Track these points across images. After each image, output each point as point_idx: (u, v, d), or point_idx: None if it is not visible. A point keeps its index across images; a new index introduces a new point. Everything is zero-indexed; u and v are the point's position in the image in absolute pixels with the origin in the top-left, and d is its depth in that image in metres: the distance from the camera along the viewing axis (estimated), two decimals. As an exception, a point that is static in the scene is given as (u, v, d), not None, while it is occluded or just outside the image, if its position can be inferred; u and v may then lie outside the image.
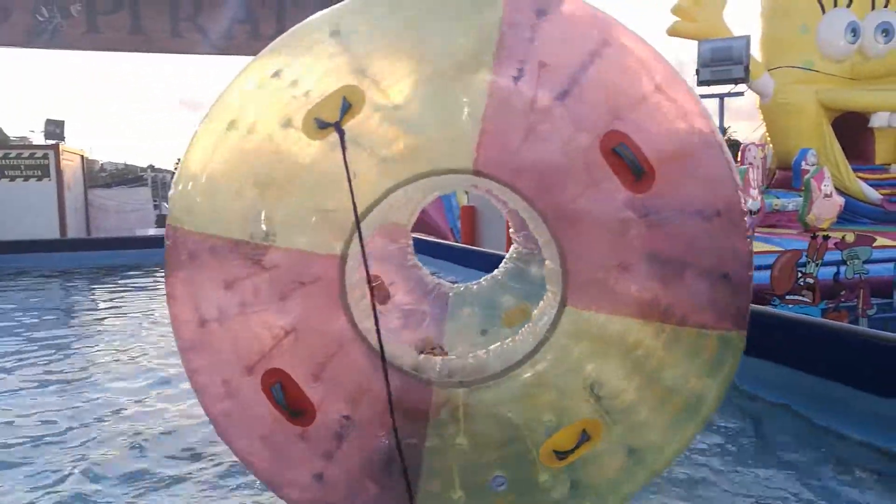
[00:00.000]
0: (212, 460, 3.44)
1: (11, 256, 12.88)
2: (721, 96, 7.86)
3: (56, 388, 4.83)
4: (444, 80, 2.11)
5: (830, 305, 7.01)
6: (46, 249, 13.59)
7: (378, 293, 3.97)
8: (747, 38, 8.05)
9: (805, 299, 6.92)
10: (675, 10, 12.82)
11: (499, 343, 2.40)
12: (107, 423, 4.04)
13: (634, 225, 2.10)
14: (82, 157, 17.95)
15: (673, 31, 12.83)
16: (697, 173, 2.15)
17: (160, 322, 7.01)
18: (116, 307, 8.46)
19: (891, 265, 7.82)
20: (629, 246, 2.10)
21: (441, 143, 2.12)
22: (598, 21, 2.20)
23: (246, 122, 2.18)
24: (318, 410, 2.20)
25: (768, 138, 14.43)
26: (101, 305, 8.93)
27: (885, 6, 13.62)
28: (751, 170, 11.17)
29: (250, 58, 2.28)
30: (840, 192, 12.03)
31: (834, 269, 7.32)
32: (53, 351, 5.99)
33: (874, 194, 12.90)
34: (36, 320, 7.57)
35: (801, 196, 11.63)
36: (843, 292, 7.21)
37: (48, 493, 3.14)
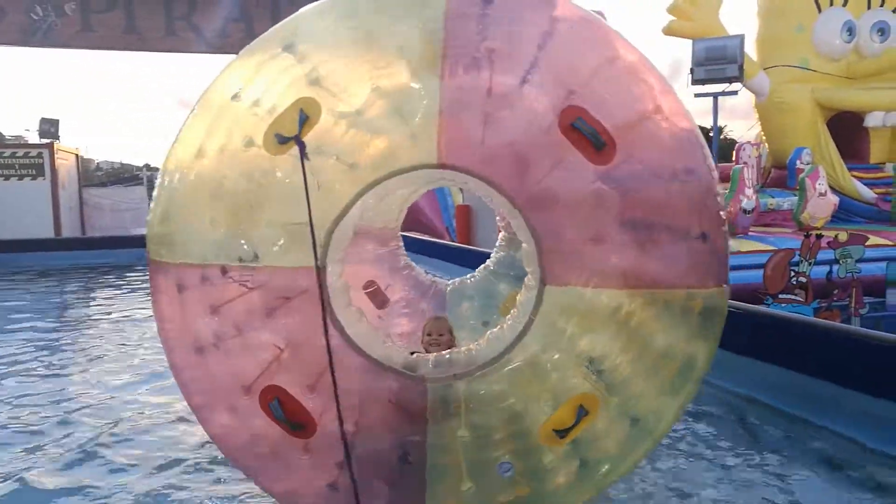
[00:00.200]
0: (209, 452, 3.44)
1: (6, 256, 12.85)
2: (715, 95, 7.85)
3: (51, 385, 4.82)
4: (399, 79, 2.13)
5: (823, 304, 7.03)
6: (41, 248, 13.56)
7: (375, 298, 4.00)
8: (741, 38, 8.06)
9: (798, 298, 6.93)
10: (671, 10, 12.82)
11: (488, 332, 2.42)
12: (101, 418, 4.05)
13: (603, 196, 2.11)
14: (77, 155, 17.91)
15: (669, 31, 12.83)
16: (659, 138, 2.18)
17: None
18: (111, 305, 8.45)
19: (883, 264, 7.84)
20: (601, 218, 2.12)
21: (404, 142, 2.13)
22: (546, 1, 2.22)
23: (212, 149, 2.21)
24: (318, 422, 2.22)
25: (763, 137, 14.44)
26: (96, 304, 8.91)
27: (881, 5, 13.63)
28: (745, 169, 11.17)
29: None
30: (835, 190, 12.05)
31: (827, 268, 7.33)
32: (48, 349, 5.98)
33: (869, 193, 12.92)
34: (31, 319, 7.55)
35: (795, 195, 11.65)
36: (835, 291, 7.22)
37: (48, 486, 3.16)
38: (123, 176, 29.94)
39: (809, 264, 7.07)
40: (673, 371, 2.22)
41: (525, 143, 2.12)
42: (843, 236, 7.66)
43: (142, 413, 4.21)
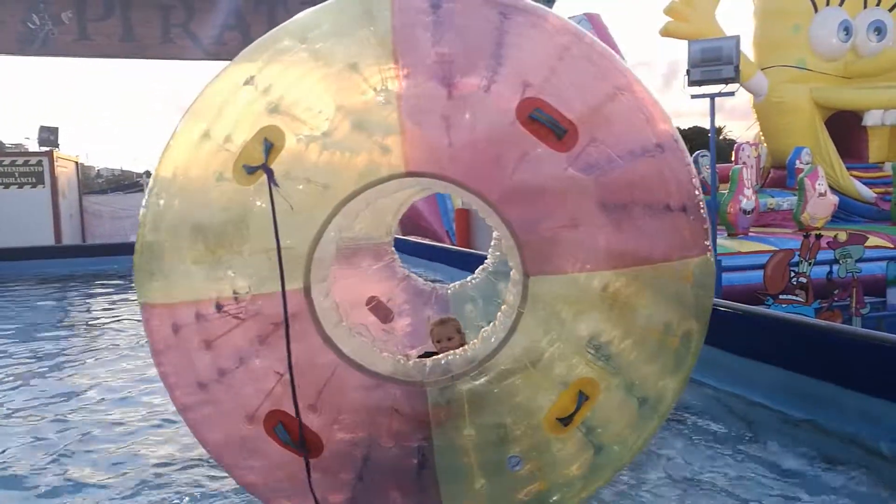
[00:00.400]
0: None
1: (6, 264, 12.84)
2: (712, 96, 7.85)
3: (51, 391, 4.80)
4: (357, 96, 2.17)
5: (824, 305, 7.01)
6: (41, 256, 13.56)
7: (379, 312, 4.03)
8: (737, 38, 8.05)
9: (798, 299, 6.92)
10: (668, 11, 12.86)
11: (482, 330, 2.44)
12: (101, 426, 4.03)
13: (575, 181, 2.13)
14: (77, 163, 17.93)
15: (665, 32, 12.87)
16: (623, 118, 2.20)
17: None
18: (111, 312, 8.44)
19: (883, 264, 7.83)
20: (576, 203, 2.14)
21: (369, 156, 2.17)
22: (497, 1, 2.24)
23: (189, 190, 2.27)
24: (324, 440, 2.25)
25: (762, 137, 14.45)
26: (96, 311, 8.91)
27: (878, 4, 13.66)
28: (745, 169, 11.18)
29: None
30: (834, 190, 12.06)
31: (827, 268, 7.32)
32: (48, 357, 5.97)
33: (868, 192, 12.92)
34: (31, 327, 7.54)
35: (795, 195, 11.65)
36: (836, 291, 7.20)
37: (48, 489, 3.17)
38: (123, 182, 29.99)
39: (809, 264, 7.06)
40: (673, 344, 2.24)
41: (489, 140, 2.14)
42: (842, 236, 7.65)
43: (143, 415, 4.21)
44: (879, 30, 13.49)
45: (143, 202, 2.33)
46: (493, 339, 2.28)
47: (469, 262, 8.30)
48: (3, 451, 3.75)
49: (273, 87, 2.20)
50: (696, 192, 2.24)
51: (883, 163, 13.54)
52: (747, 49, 13.55)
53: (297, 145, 2.16)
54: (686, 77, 8.00)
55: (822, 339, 4.10)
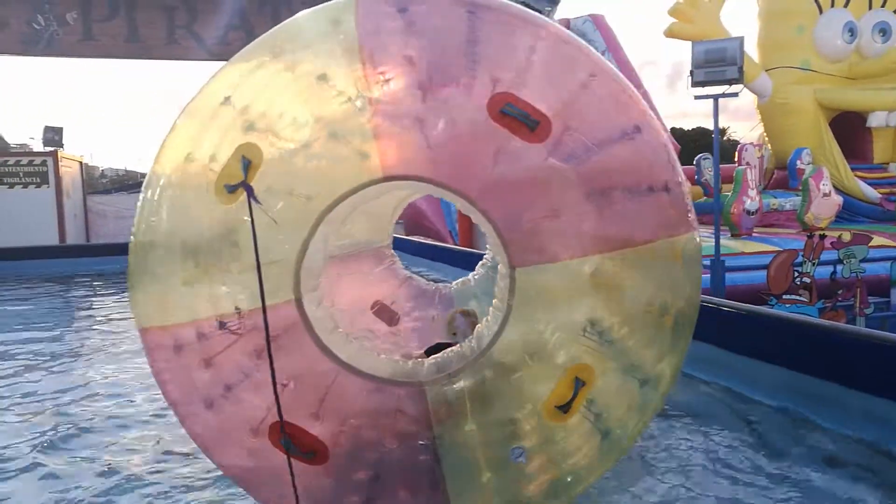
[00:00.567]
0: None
1: (10, 263, 12.88)
2: (716, 97, 7.84)
3: (54, 389, 4.82)
4: (330, 105, 2.20)
5: (828, 305, 6.99)
6: (45, 256, 13.59)
7: (384, 316, 4.06)
8: (741, 40, 8.03)
9: (802, 299, 6.91)
10: (672, 12, 12.86)
11: (476, 326, 2.48)
12: (104, 422, 4.06)
13: (552, 171, 2.15)
14: (81, 163, 17.98)
15: (670, 33, 12.87)
16: (597, 104, 2.22)
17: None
18: (115, 312, 8.45)
19: (887, 264, 7.81)
20: (555, 192, 2.16)
21: (345, 164, 2.20)
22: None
23: (178, 210, 2.30)
24: (329, 446, 2.28)
25: (766, 138, 14.44)
26: (100, 311, 8.93)
27: (882, 6, 13.64)
28: (748, 170, 11.17)
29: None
30: (839, 191, 12.04)
31: (831, 268, 7.30)
32: (52, 355, 5.99)
33: (873, 193, 12.90)
34: (35, 326, 7.56)
35: (798, 196, 11.63)
36: (840, 291, 7.19)
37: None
38: (128, 182, 30.05)
39: (813, 265, 7.05)
40: (668, 323, 2.26)
41: (463, 138, 2.16)
42: (846, 236, 7.63)
43: (144, 415, 4.23)
44: (884, 31, 13.48)
45: (133, 227, 2.37)
46: (486, 334, 2.30)
47: (472, 262, 8.30)
48: (4, 451, 3.76)
49: (250, 105, 2.24)
50: (677, 170, 2.25)
51: (887, 163, 13.52)
52: (752, 50, 13.54)
53: (277, 160, 2.20)
54: (690, 78, 7.99)
55: (825, 339, 4.09)
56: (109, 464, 3.54)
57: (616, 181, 2.16)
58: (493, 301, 2.42)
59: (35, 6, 13.37)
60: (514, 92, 2.14)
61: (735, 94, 8.03)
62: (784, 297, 6.93)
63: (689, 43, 8.31)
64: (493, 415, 2.26)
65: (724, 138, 31.68)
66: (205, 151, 2.25)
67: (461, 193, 2.19)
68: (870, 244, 7.70)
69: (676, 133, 32.07)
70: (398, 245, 4.63)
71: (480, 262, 4.31)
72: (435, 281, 4.70)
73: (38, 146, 18.51)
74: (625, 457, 2.46)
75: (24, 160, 15.89)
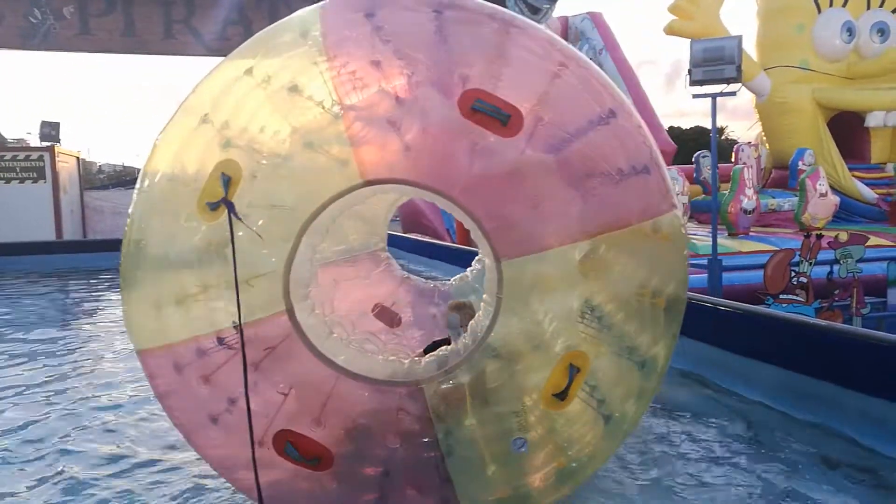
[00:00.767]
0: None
1: (7, 259, 12.85)
2: (714, 96, 7.83)
3: (51, 385, 4.80)
4: (308, 116, 2.21)
5: (824, 304, 6.99)
6: (42, 251, 13.56)
7: (385, 318, 4.08)
8: (739, 38, 8.01)
9: (799, 299, 6.91)
10: (672, 9, 12.84)
11: (469, 322, 2.51)
12: (98, 421, 4.02)
13: (528, 163, 2.17)
14: (78, 158, 17.92)
15: (670, 30, 12.85)
16: (569, 93, 2.23)
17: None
18: (112, 308, 8.44)
19: (884, 264, 7.81)
20: (533, 184, 2.17)
21: (325, 173, 2.21)
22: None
23: (163, 231, 2.32)
24: (332, 451, 2.30)
25: (764, 137, 14.44)
26: (97, 307, 8.92)
27: (881, 6, 13.63)
28: (745, 169, 11.17)
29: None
30: (836, 191, 12.04)
31: (827, 268, 7.30)
32: (49, 352, 5.97)
33: (870, 193, 12.91)
34: (32, 322, 7.54)
35: (796, 196, 11.63)
36: (836, 291, 7.19)
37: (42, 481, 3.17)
38: (125, 178, 29.99)
39: (810, 264, 7.04)
40: (660, 304, 2.28)
41: (438, 138, 2.18)
42: (843, 236, 7.63)
43: (143, 413, 4.20)
44: (882, 31, 13.48)
45: (122, 247, 2.37)
46: (479, 329, 2.32)
47: (469, 260, 8.32)
48: (3, 450, 3.75)
49: (228, 122, 2.24)
50: (654, 151, 2.27)
51: (885, 164, 13.53)
52: (750, 49, 13.54)
53: (257, 174, 2.21)
54: (688, 77, 7.98)
55: (822, 338, 4.09)
56: (104, 456, 3.53)
57: (597, 166, 2.18)
58: (483, 296, 2.44)
59: (32, 0, 13.31)
60: (483, 88, 2.15)
61: (733, 93, 8.01)
62: (781, 296, 6.93)
63: (688, 42, 8.29)
64: (492, 408, 2.29)
65: (723, 137, 31.68)
66: (186, 170, 2.27)
67: (441, 193, 2.21)
68: (867, 244, 7.70)
69: (674, 132, 32.06)
70: (395, 242, 4.66)
71: (477, 258, 4.33)
72: (433, 279, 4.72)
73: (34, 141, 18.47)
74: (622, 457, 2.47)
75: (21, 155, 15.83)
